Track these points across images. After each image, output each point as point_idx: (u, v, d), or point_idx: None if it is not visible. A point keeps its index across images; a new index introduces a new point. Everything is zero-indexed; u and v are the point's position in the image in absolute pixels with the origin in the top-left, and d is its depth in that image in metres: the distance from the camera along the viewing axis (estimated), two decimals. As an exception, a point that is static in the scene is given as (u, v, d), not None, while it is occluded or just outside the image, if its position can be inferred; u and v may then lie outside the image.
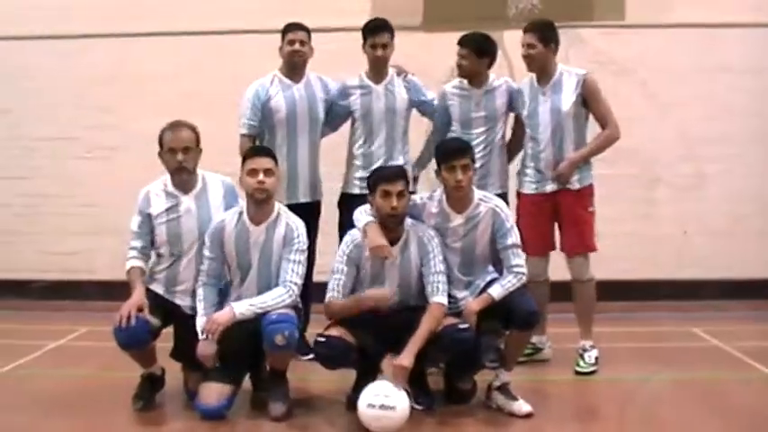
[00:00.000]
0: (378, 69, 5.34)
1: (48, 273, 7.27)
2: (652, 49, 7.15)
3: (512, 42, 6.79)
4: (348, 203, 5.23)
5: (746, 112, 7.16)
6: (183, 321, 4.50)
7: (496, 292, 4.36)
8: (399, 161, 5.27)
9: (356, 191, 5.32)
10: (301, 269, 4.45)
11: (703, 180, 7.18)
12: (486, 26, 6.70)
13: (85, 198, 7.23)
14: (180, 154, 4.48)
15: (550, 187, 5.15)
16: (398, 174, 4.45)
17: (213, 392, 4.31)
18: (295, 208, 4.78)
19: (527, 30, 5.18)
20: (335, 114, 5.45)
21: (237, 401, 4.43)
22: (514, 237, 4.47)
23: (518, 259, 4.44)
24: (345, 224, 5.01)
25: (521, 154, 5.37)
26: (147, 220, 4.54)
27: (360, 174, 5.31)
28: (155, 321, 4.40)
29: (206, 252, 4.49)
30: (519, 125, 5.37)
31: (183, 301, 4.55)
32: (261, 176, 4.38)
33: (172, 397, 4.65)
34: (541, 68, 5.15)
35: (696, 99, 7.14)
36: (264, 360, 4.54)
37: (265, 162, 4.45)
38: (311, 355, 4.58)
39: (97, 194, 7.17)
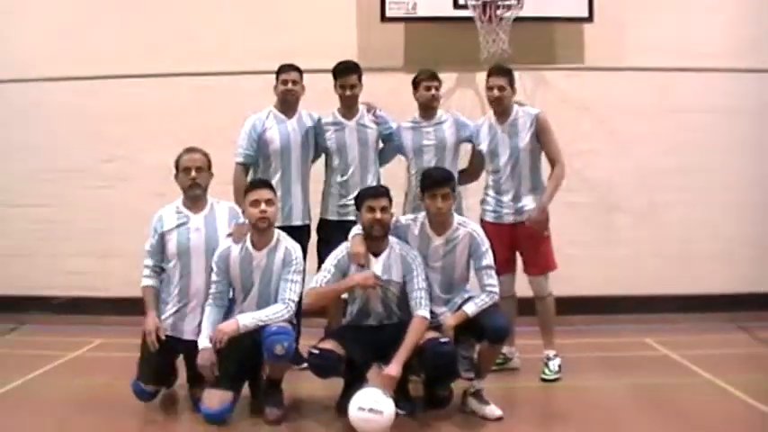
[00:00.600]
0: (348, 107, 5.41)
1: (66, 290, 7.29)
2: (610, 89, 7.24)
3: (483, 83, 6.87)
4: (325, 228, 5.38)
5: (694, 149, 7.24)
6: (188, 351, 4.58)
7: (471, 309, 4.45)
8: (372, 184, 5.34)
9: (334, 217, 5.40)
10: (298, 288, 4.53)
11: (656, 208, 7.26)
12: (461, 68, 6.96)
13: (99, 223, 7.25)
14: (193, 171, 4.61)
15: (509, 219, 5.21)
16: (381, 192, 4.57)
17: (216, 398, 4.36)
18: (289, 230, 4.87)
19: (498, 73, 5.22)
20: (317, 146, 5.50)
21: (237, 407, 4.48)
22: (488, 259, 4.55)
23: (491, 279, 4.53)
24: (323, 246, 5.17)
25: (481, 183, 5.45)
26: (160, 239, 4.62)
27: (336, 201, 5.40)
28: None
29: (214, 276, 4.56)
30: (475, 157, 5.44)
31: (190, 325, 4.58)
32: (263, 206, 4.47)
33: (178, 401, 4.73)
34: (505, 109, 5.22)
35: (650, 135, 7.23)
36: (262, 369, 4.60)
37: (266, 193, 4.54)
38: (304, 365, 4.63)
39: (109, 220, 7.20)
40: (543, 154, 5.29)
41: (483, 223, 5.17)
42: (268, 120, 5.38)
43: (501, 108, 5.22)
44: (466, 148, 5.50)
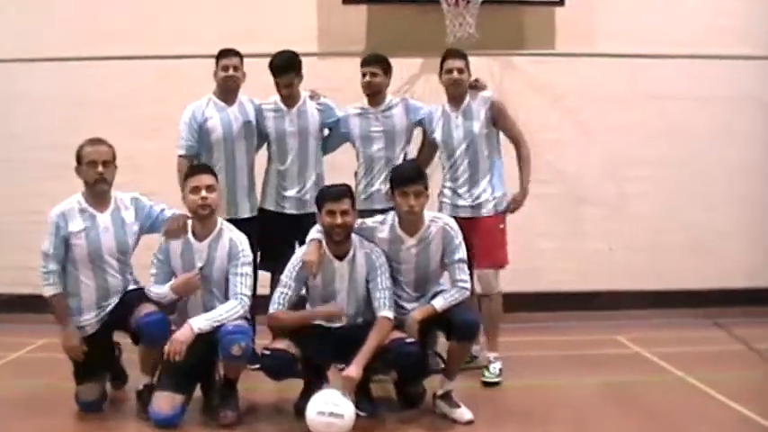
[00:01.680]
0: (288, 99, 5.39)
1: (7, 287, 7.14)
2: (581, 76, 7.27)
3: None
4: (263, 218, 5.38)
5: (666, 138, 7.32)
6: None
7: (439, 303, 4.43)
8: (311, 178, 5.36)
9: (272, 207, 5.41)
10: (249, 281, 4.50)
11: (626, 200, 7.33)
12: (426, 53, 6.92)
13: (43, 216, 7.12)
14: (100, 165, 4.47)
15: (465, 213, 5.18)
16: (343, 193, 4.48)
17: (166, 401, 4.30)
18: (236, 223, 4.84)
19: (456, 55, 5.26)
20: (259, 134, 5.49)
21: (189, 409, 4.42)
22: (461, 253, 4.54)
23: (462, 274, 4.52)
24: (261, 237, 5.17)
25: (437, 176, 5.43)
26: (63, 242, 4.47)
27: (275, 191, 5.40)
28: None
29: (153, 269, 4.54)
30: (426, 146, 5.46)
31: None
32: (203, 192, 4.42)
33: (125, 405, 4.66)
34: (462, 93, 5.25)
35: (622, 124, 7.28)
36: (215, 370, 4.57)
37: (206, 179, 4.49)
38: (257, 365, 4.59)
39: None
40: (499, 140, 5.31)
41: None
42: (208, 108, 5.34)
43: (459, 92, 5.23)
44: (418, 135, 5.51)
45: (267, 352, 4.35)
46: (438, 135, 5.29)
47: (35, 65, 7.15)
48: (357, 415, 4.16)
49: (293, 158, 5.37)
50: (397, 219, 4.56)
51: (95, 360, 4.54)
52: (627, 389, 4.96)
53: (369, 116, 5.38)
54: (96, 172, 4.47)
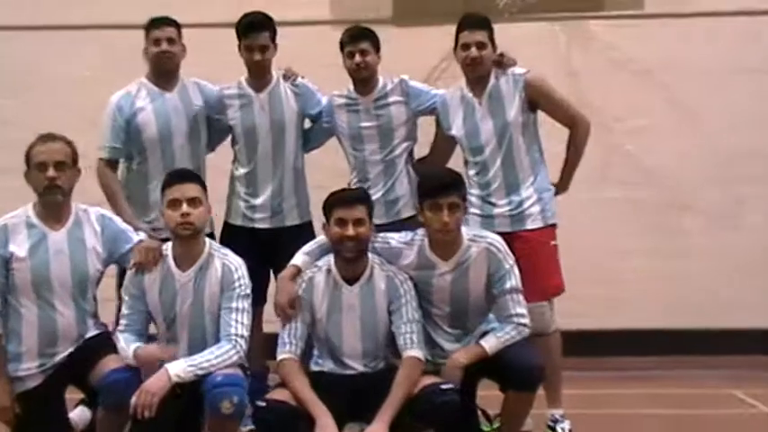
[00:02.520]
0: (258, 76, 5.41)
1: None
2: (678, 44, 7.27)
3: (502, 38, 6.87)
4: (230, 235, 5.40)
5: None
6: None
7: (490, 344, 4.41)
8: (289, 182, 5.40)
9: (239, 221, 5.44)
10: (247, 319, 4.48)
11: (741, 207, 7.30)
12: None
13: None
14: (51, 169, 4.45)
15: (503, 227, 5.10)
16: (357, 199, 4.53)
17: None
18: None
19: (475, 25, 5.18)
20: (213, 129, 5.52)
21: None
22: (514, 279, 4.52)
23: (518, 307, 4.50)
24: None
25: None
26: (4, 265, 4.47)
27: (241, 201, 5.42)
28: None
29: (124, 308, 4.55)
30: (441, 141, 5.44)
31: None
32: (184, 207, 4.41)
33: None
34: (484, 74, 5.20)
35: (732, 107, 7.25)
36: (201, 430, 4.54)
37: (189, 189, 4.48)
38: (249, 426, 4.60)
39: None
40: (537, 128, 5.28)
41: None
42: (139, 97, 5.34)
43: (479, 73, 5.19)
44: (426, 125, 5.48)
45: (263, 404, 4.33)
46: (458, 130, 5.26)
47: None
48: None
49: (265, 157, 5.39)
50: (426, 239, 4.58)
51: (39, 423, 4.50)
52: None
53: (358, 109, 5.38)
54: (46, 176, 4.45)
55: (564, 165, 5.30)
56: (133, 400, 4.15)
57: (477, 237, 4.60)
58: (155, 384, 4.20)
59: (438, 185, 4.50)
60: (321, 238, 4.72)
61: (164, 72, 5.36)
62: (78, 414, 4.92)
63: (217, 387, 4.24)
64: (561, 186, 5.33)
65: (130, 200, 5.29)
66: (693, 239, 7.35)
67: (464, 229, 4.58)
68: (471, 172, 5.26)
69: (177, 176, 4.62)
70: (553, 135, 5.34)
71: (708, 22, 7.30)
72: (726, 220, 7.32)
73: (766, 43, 7.33)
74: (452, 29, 6.56)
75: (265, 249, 5.20)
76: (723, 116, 7.30)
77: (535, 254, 5.08)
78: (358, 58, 5.26)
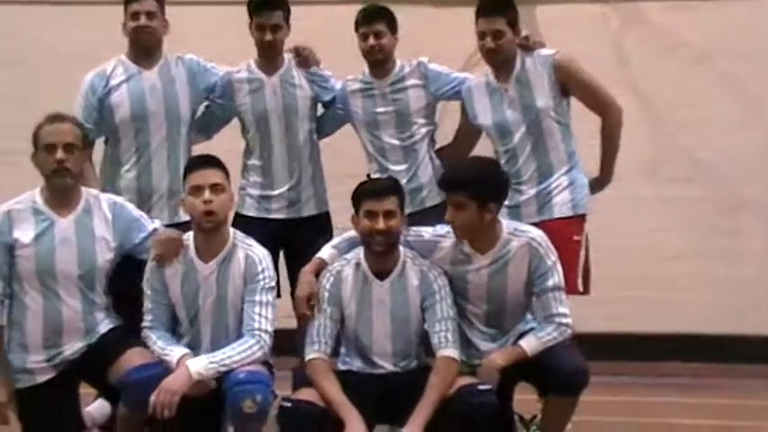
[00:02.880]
0: (269, 57, 5.47)
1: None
2: (738, 27, 7.30)
3: (547, 19, 6.97)
4: (243, 227, 5.17)
5: None
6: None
7: (530, 345, 4.44)
8: (305, 174, 5.51)
9: (251, 212, 5.51)
10: (271, 313, 4.52)
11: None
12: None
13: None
14: (60, 151, 4.49)
15: (531, 217, 5.13)
16: (388, 189, 4.58)
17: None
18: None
19: (491, 12, 5.13)
20: (213, 115, 5.59)
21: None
22: (557, 277, 4.55)
23: (561, 306, 4.53)
24: None
25: None
26: (7, 251, 4.53)
27: (255, 191, 5.51)
28: None
29: (146, 302, 4.61)
30: (466, 128, 5.48)
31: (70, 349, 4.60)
32: (207, 194, 4.43)
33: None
34: (507, 60, 5.21)
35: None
36: (222, 429, 4.68)
37: (212, 175, 4.51)
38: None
39: None
40: (569, 113, 5.29)
41: None
42: (114, 75, 5.36)
43: (498, 62, 5.23)
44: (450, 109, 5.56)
45: (288, 404, 4.39)
46: (484, 118, 5.28)
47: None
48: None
49: (279, 146, 5.49)
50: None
51: (50, 420, 4.59)
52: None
53: (374, 93, 5.44)
54: (55, 159, 4.48)
55: (602, 157, 5.32)
56: (152, 398, 4.20)
57: (518, 230, 4.62)
58: (175, 382, 4.25)
59: (447, 181, 4.64)
60: (351, 232, 4.75)
61: (142, 48, 5.36)
62: (97, 408, 4.96)
63: (238, 385, 4.30)
64: (602, 181, 5.36)
65: (104, 184, 5.29)
66: (750, 241, 7.42)
67: (504, 222, 4.63)
68: (501, 161, 5.20)
69: (199, 162, 4.67)
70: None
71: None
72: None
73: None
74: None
75: (280, 241, 5.26)
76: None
77: (555, 247, 4.91)
78: (372, 40, 5.31)
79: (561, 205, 5.18)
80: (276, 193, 5.47)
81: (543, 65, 5.20)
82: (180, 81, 5.43)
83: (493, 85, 5.27)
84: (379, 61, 5.39)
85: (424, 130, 5.45)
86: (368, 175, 5.44)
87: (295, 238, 5.08)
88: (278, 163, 5.48)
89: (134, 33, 5.32)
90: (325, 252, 4.75)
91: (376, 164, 5.49)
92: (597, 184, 5.34)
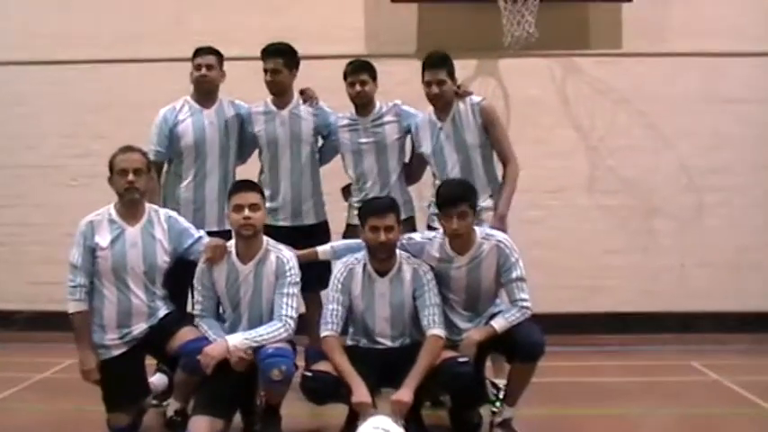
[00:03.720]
0: (272, 93, 5.33)
1: (32, 303, 7.20)
2: (651, 78, 7.15)
3: (507, 70, 6.93)
4: None
5: (748, 144, 7.17)
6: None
7: (499, 324, 4.34)
8: (306, 190, 5.29)
9: (267, 221, 5.23)
10: (296, 302, 4.47)
11: (703, 212, 7.17)
12: (481, 54, 6.89)
13: (71, 227, 7.17)
14: (131, 174, 4.48)
15: None
16: (388, 207, 4.46)
17: (203, 427, 4.24)
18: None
19: (434, 65, 5.01)
20: (244, 142, 5.42)
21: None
22: (519, 270, 4.45)
23: (522, 293, 4.42)
24: None
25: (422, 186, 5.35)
26: (90, 253, 4.50)
27: (267, 203, 5.13)
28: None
29: (197, 296, 4.55)
30: (415, 157, 5.30)
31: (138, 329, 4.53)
32: (246, 212, 4.41)
33: (156, 430, 4.64)
34: (447, 103, 5.06)
35: (696, 129, 7.14)
36: (255, 395, 4.54)
37: (251, 197, 4.47)
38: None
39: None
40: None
41: (430, 230, 4.97)
42: (181, 111, 5.30)
43: (442, 104, 5.06)
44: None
45: (309, 374, 4.33)
46: (427, 148, 5.14)
47: (52, 67, 7.26)
48: (408, 444, 4.08)
49: (285, 165, 5.30)
50: (446, 237, 4.50)
51: (123, 384, 4.51)
52: (708, 422, 4.79)
53: (357, 128, 5.25)
54: (126, 181, 4.49)
55: (500, 196, 5.01)
56: (199, 359, 4.23)
57: (488, 235, 4.55)
58: (214, 350, 4.25)
59: (448, 197, 4.43)
60: (352, 241, 4.71)
61: (202, 92, 5.32)
62: (158, 378, 5.00)
63: (268, 358, 4.25)
64: (498, 213, 4.97)
65: (166, 196, 5.28)
66: (662, 239, 7.22)
67: (478, 229, 4.51)
68: (437, 183, 5.02)
69: (241, 186, 4.61)
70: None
71: (677, 60, 7.16)
72: (690, 222, 7.20)
73: (728, 79, 7.19)
74: (467, 63, 6.49)
75: (287, 244, 4.88)
76: (688, 136, 7.20)
77: None
78: (358, 87, 5.16)
79: (488, 222, 4.91)
80: (281, 204, 5.28)
81: (473, 108, 5.06)
82: (230, 119, 5.36)
83: (434, 122, 5.13)
84: (363, 103, 5.25)
85: (397, 158, 5.28)
86: (342, 190, 5.45)
87: (298, 243, 4.80)
88: (284, 179, 5.30)
89: (197, 81, 5.32)
90: (323, 248, 4.76)
91: (357, 185, 5.30)
92: (495, 221, 4.93)
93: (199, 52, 5.31)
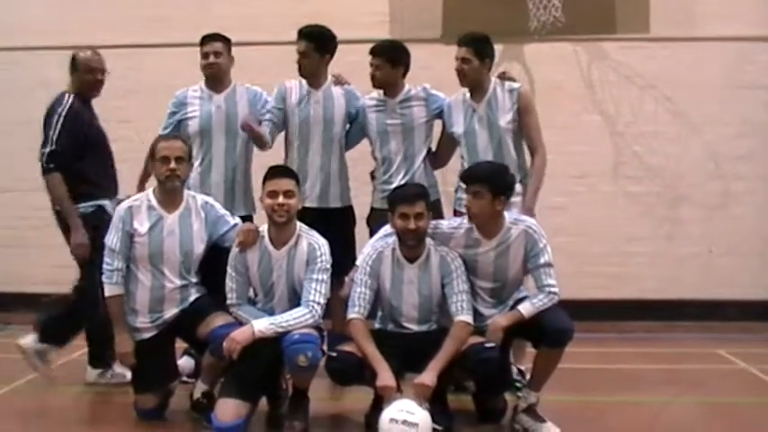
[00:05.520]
0: (302, 75, 5.31)
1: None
2: (678, 63, 7.11)
3: (532, 55, 6.89)
4: None
5: (776, 129, 7.10)
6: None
7: (526, 309, 4.30)
8: (336, 171, 5.30)
9: None
10: (325, 288, 4.46)
11: (730, 199, 7.13)
12: (507, 39, 6.84)
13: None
14: (173, 161, 4.51)
15: None
16: (417, 195, 4.45)
17: (230, 409, 4.25)
18: None
19: (461, 43, 5.04)
20: (271, 125, 5.34)
21: (254, 420, 4.39)
22: (547, 256, 4.41)
23: (550, 279, 4.39)
24: None
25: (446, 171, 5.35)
26: (128, 238, 4.53)
27: None
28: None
29: (229, 282, 4.53)
30: (445, 139, 5.28)
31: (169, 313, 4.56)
32: (281, 199, 4.40)
33: (182, 413, 4.64)
34: (475, 84, 5.04)
35: (724, 115, 7.10)
36: (281, 378, 4.57)
37: (285, 183, 4.46)
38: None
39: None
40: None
41: (457, 215, 4.98)
42: (192, 96, 5.33)
43: (467, 83, 5.06)
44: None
45: (333, 354, 4.34)
46: (459, 128, 5.11)
47: (61, 53, 7.20)
48: (433, 428, 4.06)
49: (316, 147, 5.28)
50: (475, 225, 4.47)
51: (152, 367, 4.55)
52: (734, 410, 4.76)
53: (385, 108, 5.24)
54: (168, 168, 4.50)
55: (528, 187, 5.00)
56: (224, 344, 4.22)
57: (517, 220, 4.51)
58: (240, 335, 4.24)
59: (467, 176, 4.45)
60: (384, 230, 4.67)
61: (211, 78, 5.33)
62: (185, 361, 5.06)
63: (294, 344, 4.24)
64: (527, 203, 4.95)
65: None
66: (687, 226, 7.18)
67: (506, 214, 4.47)
68: (465, 164, 5.02)
69: (276, 172, 4.57)
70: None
71: (704, 45, 7.12)
72: (717, 209, 7.15)
73: (756, 65, 7.14)
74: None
75: (312, 226, 4.86)
76: (715, 123, 7.15)
77: None
78: (371, 70, 5.19)
79: (516, 206, 4.87)
80: (309, 185, 5.24)
81: (510, 93, 5.05)
82: (242, 104, 5.33)
83: (468, 103, 5.10)
84: (379, 86, 5.26)
85: (423, 141, 5.26)
86: (371, 174, 5.39)
87: (323, 225, 4.77)
88: (314, 161, 5.28)
89: (204, 69, 5.34)
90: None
91: (382, 168, 5.28)
92: (522, 207, 4.91)
93: (205, 39, 5.32)
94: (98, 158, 5.21)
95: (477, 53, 5.00)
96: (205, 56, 5.28)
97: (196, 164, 5.15)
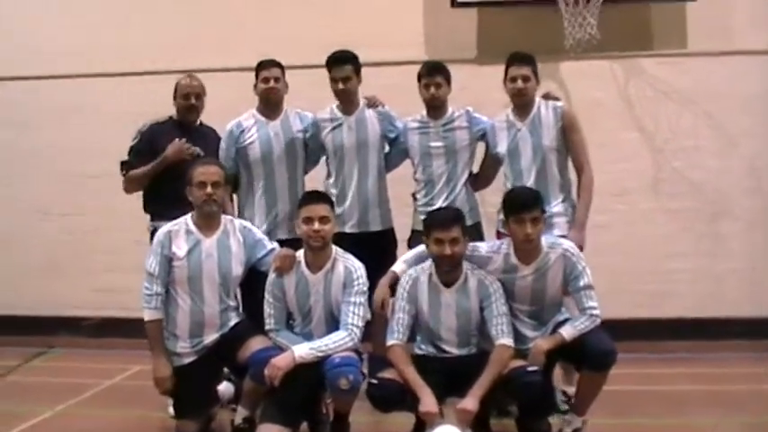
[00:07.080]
0: (343, 102, 5.33)
1: (100, 310, 7.31)
2: (716, 77, 6.98)
3: (569, 73, 6.84)
4: None
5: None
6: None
7: (568, 332, 4.30)
8: (375, 195, 5.28)
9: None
10: (362, 311, 4.47)
11: (771, 215, 6.99)
12: (542, 57, 6.68)
13: (135, 234, 7.24)
14: (209, 186, 4.56)
15: None
16: (453, 219, 4.43)
17: (272, 434, 4.28)
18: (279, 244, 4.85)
19: (521, 61, 5.05)
20: (312, 149, 5.43)
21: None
22: (587, 278, 4.40)
23: (591, 301, 4.37)
24: None
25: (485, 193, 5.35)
26: (167, 263, 4.57)
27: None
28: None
29: (267, 308, 4.57)
30: (489, 160, 5.26)
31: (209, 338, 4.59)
32: (316, 225, 4.44)
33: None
34: (528, 103, 5.05)
35: (764, 130, 6.96)
36: (321, 403, 4.57)
37: (320, 209, 4.50)
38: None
39: (147, 232, 7.20)
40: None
41: (500, 236, 4.94)
42: (248, 124, 5.34)
43: (524, 101, 5.05)
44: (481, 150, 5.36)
45: (375, 381, 4.32)
46: (502, 148, 5.10)
47: (113, 79, 7.38)
48: (476, 454, 4.05)
49: (352, 172, 5.29)
50: (512, 246, 4.46)
51: (192, 392, 4.57)
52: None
53: (429, 131, 5.22)
54: (205, 193, 4.56)
55: (577, 207, 5.02)
56: (265, 371, 4.25)
57: (555, 244, 4.49)
58: (281, 361, 4.27)
59: (521, 202, 4.39)
60: (421, 247, 4.63)
61: (269, 104, 5.36)
62: (224, 387, 5.04)
63: (336, 367, 4.26)
64: (577, 224, 4.96)
65: (243, 205, 5.37)
66: (730, 242, 7.03)
67: (543, 238, 4.45)
68: (508, 184, 5.06)
69: (311, 198, 4.65)
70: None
71: (743, 58, 6.98)
72: (759, 225, 7.00)
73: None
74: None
75: (353, 251, 4.88)
76: (756, 137, 7.00)
77: None
78: (433, 89, 5.14)
79: (561, 228, 4.93)
80: (347, 211, 5.25)
81: (554, 111, 5.06)
82: (296, 129, 5.39)
83: (512, 122, 5.10)
84: (436, 106, 5.22)
85: (465, 164, 5.25)
86: (413, 195, 5.35)
87: (365, 250, 4.82)
88: (351, 186, 5.27)
89: (263, 93, 5.36)
90: (398, 267, 4.66)
91: (424, 190, 5.26)
92: (574, 236, 4.87)
93: (263, 65, 5.35)
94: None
95: (534, 72, 5.06)
96: (265, 81, 5.31)
97: (259, 190, 5.25)
